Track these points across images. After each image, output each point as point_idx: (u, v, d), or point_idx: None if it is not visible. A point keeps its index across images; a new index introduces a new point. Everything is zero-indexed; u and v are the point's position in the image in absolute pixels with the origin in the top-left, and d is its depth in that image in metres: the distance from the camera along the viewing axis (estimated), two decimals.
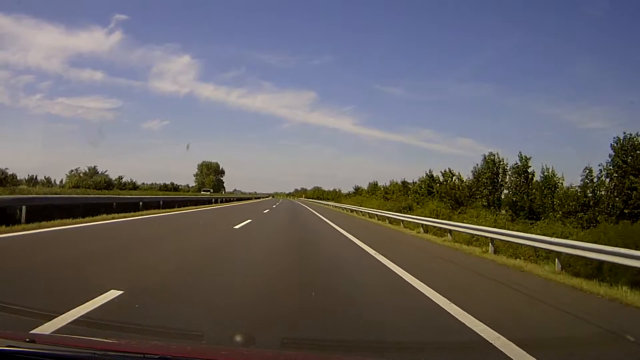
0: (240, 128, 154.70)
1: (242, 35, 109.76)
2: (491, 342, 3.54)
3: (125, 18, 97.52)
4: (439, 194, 29.05)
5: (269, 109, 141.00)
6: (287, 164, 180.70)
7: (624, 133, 18.64)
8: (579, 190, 19.07)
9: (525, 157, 23.94)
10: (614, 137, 18.76)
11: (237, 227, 14.34)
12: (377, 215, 24.41)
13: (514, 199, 23.19)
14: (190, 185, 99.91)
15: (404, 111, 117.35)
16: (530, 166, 23.57)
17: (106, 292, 4.38)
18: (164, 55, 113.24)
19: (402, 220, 18.66)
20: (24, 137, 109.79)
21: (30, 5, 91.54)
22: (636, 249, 6.51)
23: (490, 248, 10.37)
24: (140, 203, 20.86)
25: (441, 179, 31.62)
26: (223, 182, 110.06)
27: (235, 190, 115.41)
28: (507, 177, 24.81)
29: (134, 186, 47.19)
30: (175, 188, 66.77)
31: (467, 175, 28.29)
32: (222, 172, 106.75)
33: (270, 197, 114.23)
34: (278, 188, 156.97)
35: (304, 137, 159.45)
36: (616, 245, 7.35)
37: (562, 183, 21.08)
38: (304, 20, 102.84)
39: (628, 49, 66.18)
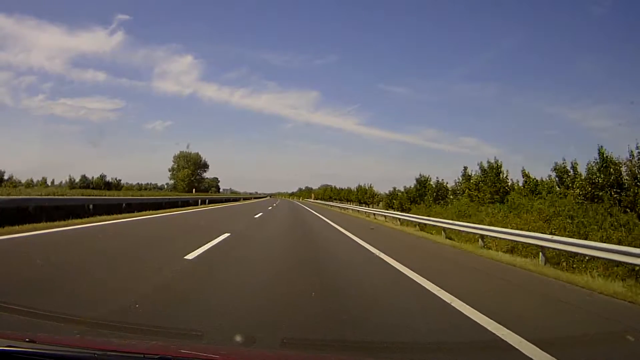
0: (243, 128, 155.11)
1: (245, 35, 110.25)
2: None
3: (127, 18, 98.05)
4: None
5: (273, 108, 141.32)
6: (290, 164, 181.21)
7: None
8: None
9: None
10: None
11: None
12: None
13: None
14: (157, 184, 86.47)
15: (408, 111, 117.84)
16: None
17: None
18: (167, 55, 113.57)
19: None
20: (25, 138, 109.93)
21: (32, 6, 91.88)
22: None
23: None
24: None
25: None
26: (218, 181, 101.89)
27: (228, 189, 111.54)
28: None
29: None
30: (108, 185, 49.82)
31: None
32: (205, 166, 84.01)
33: (268, 197, 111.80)
34: (281, 188, 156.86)
35: (308, 137, 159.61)
36: None
37: None
38: (307, 20, 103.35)
39: (631, 47, 66.13)
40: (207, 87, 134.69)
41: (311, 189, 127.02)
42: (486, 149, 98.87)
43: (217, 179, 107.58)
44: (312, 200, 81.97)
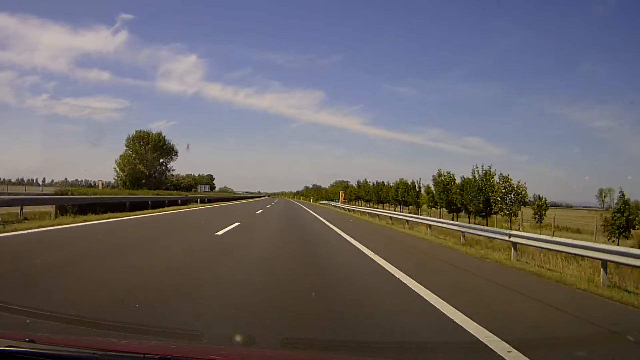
0: (247, 128, 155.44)
1: (250, 35, 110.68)
2: None
3: (131, 18, 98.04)
4: None
5: (277, 108, 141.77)
6: (294, 163, 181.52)
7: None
8: None
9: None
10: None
11: None
12: None
13: None
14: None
15: (412, 110, 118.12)
16: None
17: None
18: (171, 55, 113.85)
19: None
20: (28, 138, 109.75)
21: (36, 5, 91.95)
22: None
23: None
24: None
25: None
26: (212, 178, 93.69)
27: (223, 188, 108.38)
28: None
29: None
30: None
31: None
32: (172, 153, 58.06)
33: (266, 197, 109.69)
34: (285, 187, 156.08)
35: (312, 137, 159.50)
36: None
37: None
38: (311, 20, 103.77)
39: (633, 47, 66.19)
40: (211, 87, 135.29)
41: (320, 187, 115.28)
42: (490, 149, 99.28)
43: (211, 176, 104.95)
44: (342, 207, 41.86)
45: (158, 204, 25.68)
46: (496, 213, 27.86)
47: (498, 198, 26.33)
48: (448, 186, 33.95)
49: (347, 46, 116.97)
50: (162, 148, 56.75)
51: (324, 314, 4.29)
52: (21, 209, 13.41)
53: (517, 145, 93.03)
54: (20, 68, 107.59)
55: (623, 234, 22.80)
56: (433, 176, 36.32)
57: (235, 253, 8.65)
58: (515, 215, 26.91)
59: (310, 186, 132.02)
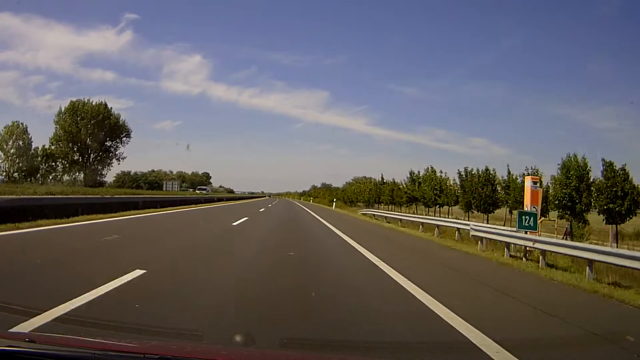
0: (252, 128, 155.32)
1: (254, 35, 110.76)
2: None
3: (135, 17, 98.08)
4: None
5: (282, 108, 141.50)
6: (299, 164, 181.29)
7: None
8: None
9: None
10: None
11: None
12: None
13: None
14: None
15: (417, 111, 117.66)
16: None
17: None
18: (175, 54, 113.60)
19: None
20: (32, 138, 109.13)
21: (40, 5, 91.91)
22: None
23: None
24: None
25: None
26: (209, 177, 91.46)
27: (219, 187, 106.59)
28: None
29: None
30: None
31: None
32: (121, 133, 42.61)
33: (267, 197, 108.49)
34: (290, 187, 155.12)
35: (317, 137, 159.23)
36: None
37: None
38: (316, 20, 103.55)
39: (635, 47, 66.12)
40: (216, 87, 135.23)
41: (329, 185, 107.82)
42: (495, 149, 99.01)
43: (207, 174, 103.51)
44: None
45: None
46: None
47: None
48: None
49: (351, 46, 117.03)
50: (104, 124, 39.07)
51: None
52: None
53: (522, 146, 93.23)
54: (24, 68, 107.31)
55: None
56: None
57: None
58: None
59: (319, 185, 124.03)
